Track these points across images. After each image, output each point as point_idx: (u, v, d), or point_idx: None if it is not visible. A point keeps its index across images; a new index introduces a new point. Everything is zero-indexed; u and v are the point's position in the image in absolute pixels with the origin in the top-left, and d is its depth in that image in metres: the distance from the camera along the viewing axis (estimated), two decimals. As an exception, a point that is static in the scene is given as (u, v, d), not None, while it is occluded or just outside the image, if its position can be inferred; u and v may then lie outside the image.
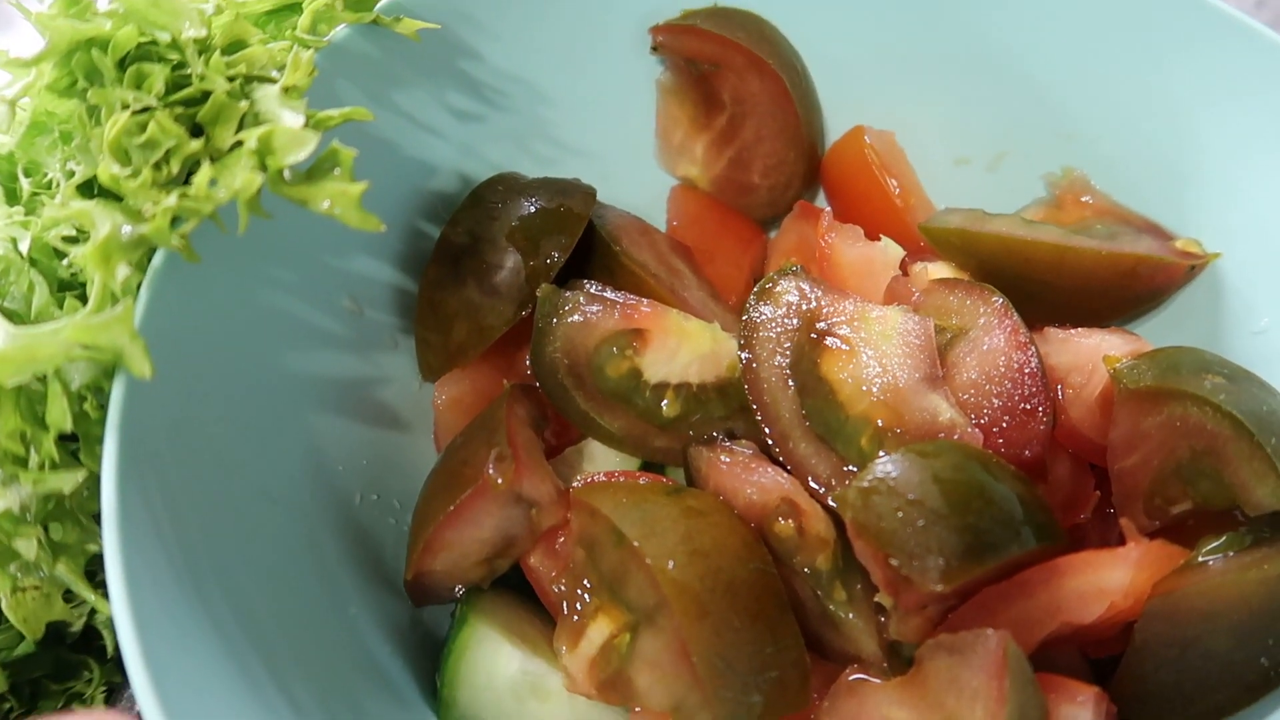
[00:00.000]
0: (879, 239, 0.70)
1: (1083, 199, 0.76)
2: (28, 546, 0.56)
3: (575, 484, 0.65)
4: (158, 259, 0.55)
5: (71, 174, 0.58)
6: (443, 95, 0.73)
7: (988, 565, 0.56)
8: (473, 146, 0.75)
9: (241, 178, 0.51)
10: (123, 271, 0.51)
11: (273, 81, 0.57)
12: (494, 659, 0.65)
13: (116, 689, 0.70)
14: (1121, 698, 0.58)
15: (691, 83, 0.80)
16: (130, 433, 0.52)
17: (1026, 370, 0.62)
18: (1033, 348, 0.62)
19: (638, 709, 0.61)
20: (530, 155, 0.78)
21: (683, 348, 0.67)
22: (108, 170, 0.52)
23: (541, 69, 0.77)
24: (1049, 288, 0.70)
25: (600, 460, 0.70)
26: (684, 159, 0.83)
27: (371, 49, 0.68)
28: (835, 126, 0.83)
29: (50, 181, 0.61)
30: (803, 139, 0.80)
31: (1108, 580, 0.57)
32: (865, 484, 0.57)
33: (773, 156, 0.81)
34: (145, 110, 0.54)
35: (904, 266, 0.73)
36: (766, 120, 0.80)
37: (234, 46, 0.58)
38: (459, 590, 0.67)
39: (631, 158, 0.82)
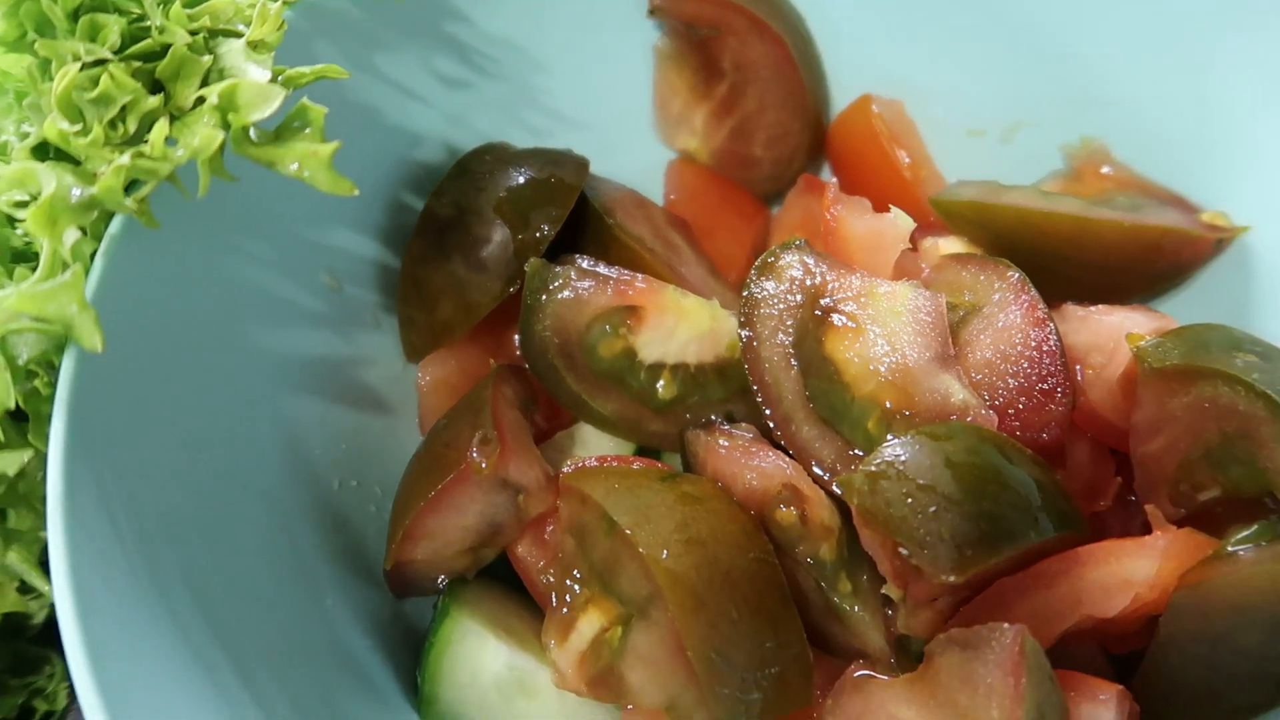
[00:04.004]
0: (888, 210, 0.68)
1: (1103, 170, 0.74)
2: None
3: (565, 469, 0.63)
4: (115, 225, 0.53)
5: (26, 135, 0.54)
6: (428, 59, 0.72)
7: (1004, 554, 0.54)
8: (460, 115, 0.74)
9: (201, 135, 0.48)
10: (71, 236, 0.47)
11: (239, 35, 0.54)
12: (479, 654, 0.63)
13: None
14: (1145, 696, 0.56)
15: (691, 48, 0.79)
16: (81, 411, 0.49)
17: (1044, 348, 0.60)
18: (1051, 324, 0.60)
19: (630, 707, 0.59)
20: (521, 125, 0.76)
21: (680, 326, 0.65)
22: (55, 127, 0.49)
23: (533, 33, 0.75)
24: (1067, 263, 0.69)
25: (593, 445, 0.69)
26: (683, 130, 0.82)
27: (351, 7, 0.67)
28: (841, 96, 0.81)
29: (4, 145, 0.58)
30: (807, 108, 0.79)
31: (1133, 571, 0.54)
32: (873, 468, 0.55)
33: (776, 127, 0.80)
34: (99, 64, 0.51)
35: (914, 242, 0.71)
36: (769, 88, 0.78)
37: (197, -1, 0.55)
38: (442, 581, 0.66)
39: (628, 129, 0.81)
